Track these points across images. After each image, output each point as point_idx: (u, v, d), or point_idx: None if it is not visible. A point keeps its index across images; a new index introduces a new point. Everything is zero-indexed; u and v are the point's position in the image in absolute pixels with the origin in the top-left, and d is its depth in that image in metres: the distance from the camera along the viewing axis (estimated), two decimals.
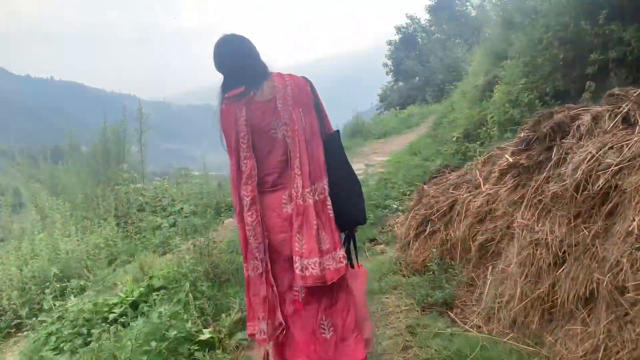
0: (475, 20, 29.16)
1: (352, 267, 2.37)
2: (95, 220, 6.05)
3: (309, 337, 2.24)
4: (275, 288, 2.22)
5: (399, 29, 31.79)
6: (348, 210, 2.23)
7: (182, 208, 7.14)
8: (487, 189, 3.24)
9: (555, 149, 2.61)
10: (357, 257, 2.44)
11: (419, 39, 31.58)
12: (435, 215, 3.71)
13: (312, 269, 2.09)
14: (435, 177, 4.46)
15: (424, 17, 31.36)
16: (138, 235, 6.19)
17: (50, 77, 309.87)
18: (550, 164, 2.58)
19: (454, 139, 8.19)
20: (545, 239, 2.47)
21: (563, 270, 2.35)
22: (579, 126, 2.50)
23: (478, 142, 7.40)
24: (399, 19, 32.41)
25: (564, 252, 2.37)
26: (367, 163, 10.49)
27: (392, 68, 31.85)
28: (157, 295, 3.74)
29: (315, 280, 2.10)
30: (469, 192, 3.53)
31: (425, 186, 4.24)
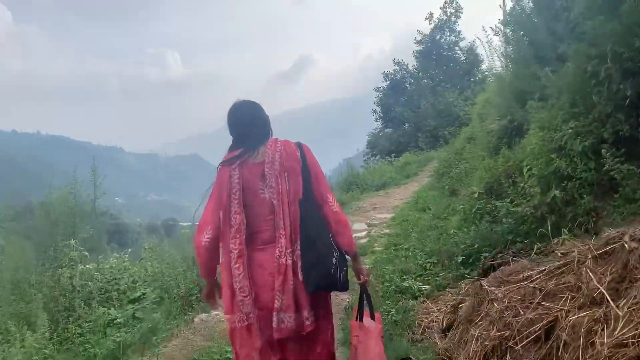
0: (466, 64, 28.62)
1: (361, 319, 2.52)
2: (24, 323, 4.50)
3: None
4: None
5: (386, 76, 31.11)
6: (305, 274, 2.29)
7: (144, 294, 5.63)
8: (628, 314, 1.83)
9: None
10: (371, 311, 2.54)
11: (407, 85, 30.87)
12: (521, 342, 2.28)
13: (288, 322, 2.26)
14: (493, 265, 3.07)
15: (411, 63, 30.78)
16: (81, 338, 4.66)
17: (37, 131, 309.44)
18: None
19: (475, 194, 6.84)
20: None
21: None
22: None
23: (507, 200, 6.05)
24: (387, 66, 31.73)
25: None
26: (369, 222, 9.09)
27: (381, 114, 30.98)
28: None
29: (289, 332, 2.26)
30: (580, 308, 2.12)
31: (484, 283, 2.82)
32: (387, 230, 8.24)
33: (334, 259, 2.30)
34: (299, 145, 2.41)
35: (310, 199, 2.34)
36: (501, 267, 2.98)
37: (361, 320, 2.53)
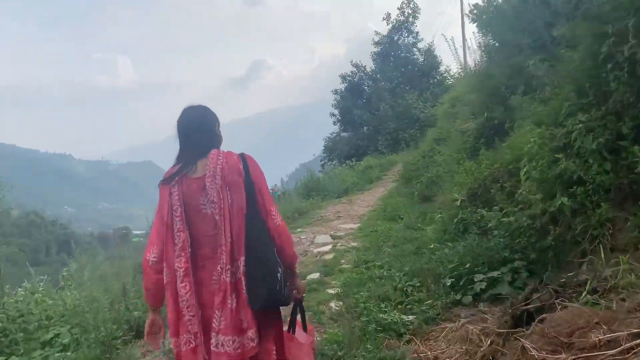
0: (424, 66, 28.18)
1: (293, 332, 2.48)
2: None
3: None
4: None
5: (344, 78, 30.35)
6: (251, 292, 2.17)
7: (57, 335, 4.45)
8: None
9: None
10: (304, 323, 2.52)
11: (365, 87, 30.21)
12: None
13: (227, 346, 2.12)
14: (528, 305, 2.11)
15: (369, 65, 30.13)
16: None
17: None
18: None
19: (457, 202, 5.95)
20: None
21: None
22: None
23: (496, 207, 5.19)
24: (340, 72, 30.90)
25: None
26: (333, 234, 8.09)
27: (339, 117, 30.17)
28: None
29: (228, 357, 2.13)
30: None
31: (529, 345, 1.85)
32: (354, 244, 7.27)
33: (279, 274, 2.22)
34: (242, 157, 2.31)
35: (255, 212, 2.25)
36: (545, 316, 2.02)
37: (293, 332, 2.50)
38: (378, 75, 28.99)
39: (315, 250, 7.17)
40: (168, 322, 2.22)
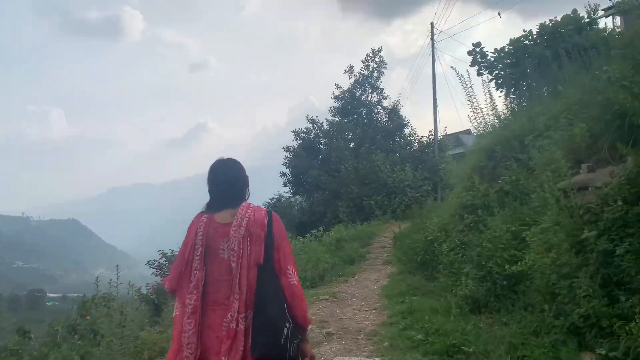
0: (389, 126, 25.23)
1: None
2: None
3: None
4: None
5: (297, 134, 26.83)
6: (252, 340, 2.18)
7: None
8: None
9: None
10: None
11: (322, 146, 26.76)
12: None
13: None
14: None
15: (327, 121, 26.82)
16: None
17: None
18: None
19: None
20: None
21: None
22: None
23: None
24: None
25: None
26: None
27: (291, 178, 26.34)
28: None
29: None
30: None
31: None
32: None
33: (285, 329, 2.19)
34: (269, 213, 2.39)
35: (269, 266, 2.27)
36: None
37: None
38: (336, 134, 25.60)
39: None
40: (169, 353, 2.22)
